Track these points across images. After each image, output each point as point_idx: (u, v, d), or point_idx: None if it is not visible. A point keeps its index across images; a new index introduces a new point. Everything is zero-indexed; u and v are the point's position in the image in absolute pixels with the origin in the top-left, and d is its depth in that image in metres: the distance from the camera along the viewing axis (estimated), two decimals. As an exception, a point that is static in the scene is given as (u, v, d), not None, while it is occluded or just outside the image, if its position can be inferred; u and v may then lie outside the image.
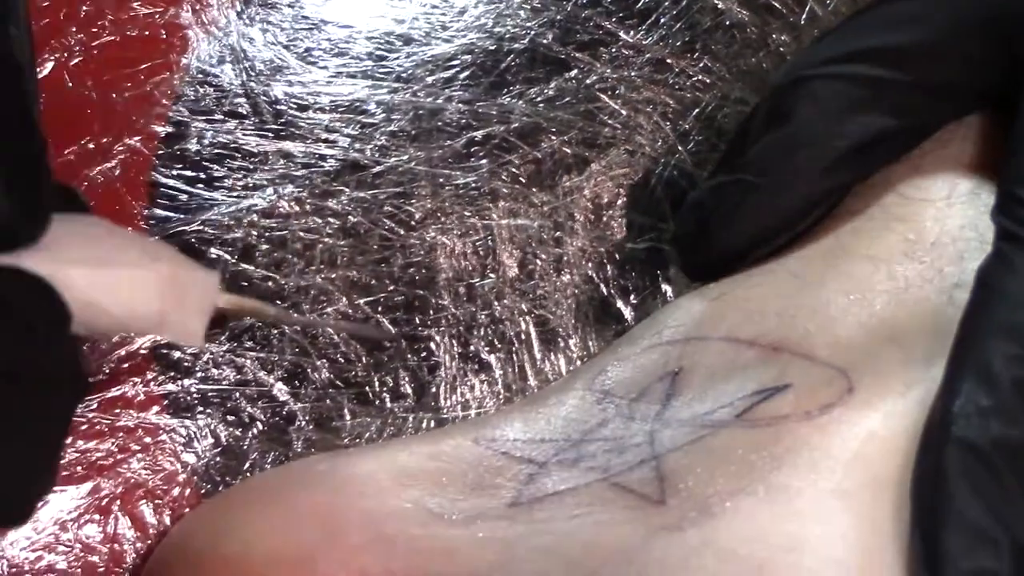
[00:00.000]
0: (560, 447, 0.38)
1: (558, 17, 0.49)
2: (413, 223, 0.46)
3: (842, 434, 0.36)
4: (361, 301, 0.45)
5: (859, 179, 0.41)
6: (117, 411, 0.43)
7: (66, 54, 0.47)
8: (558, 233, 0.46)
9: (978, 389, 0.34)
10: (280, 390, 0.43)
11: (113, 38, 0.48)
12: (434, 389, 0.44)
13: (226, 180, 0.46)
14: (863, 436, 0.36)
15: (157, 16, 0.48)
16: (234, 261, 0.45)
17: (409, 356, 0.44)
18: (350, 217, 0.46)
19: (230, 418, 0.43)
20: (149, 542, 0.41)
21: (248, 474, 0.42)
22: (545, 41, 0.49)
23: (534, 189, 0.47)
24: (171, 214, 0.45)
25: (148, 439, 0.42)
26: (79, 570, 0.41)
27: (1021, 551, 0.33)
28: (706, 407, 0.38)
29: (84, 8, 0.48)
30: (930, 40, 0.38)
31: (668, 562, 0.35)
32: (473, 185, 0.47)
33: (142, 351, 0.43)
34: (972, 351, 0.35)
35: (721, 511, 0.35)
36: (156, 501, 0.42)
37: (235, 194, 0.45)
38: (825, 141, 0.39)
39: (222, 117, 0.47)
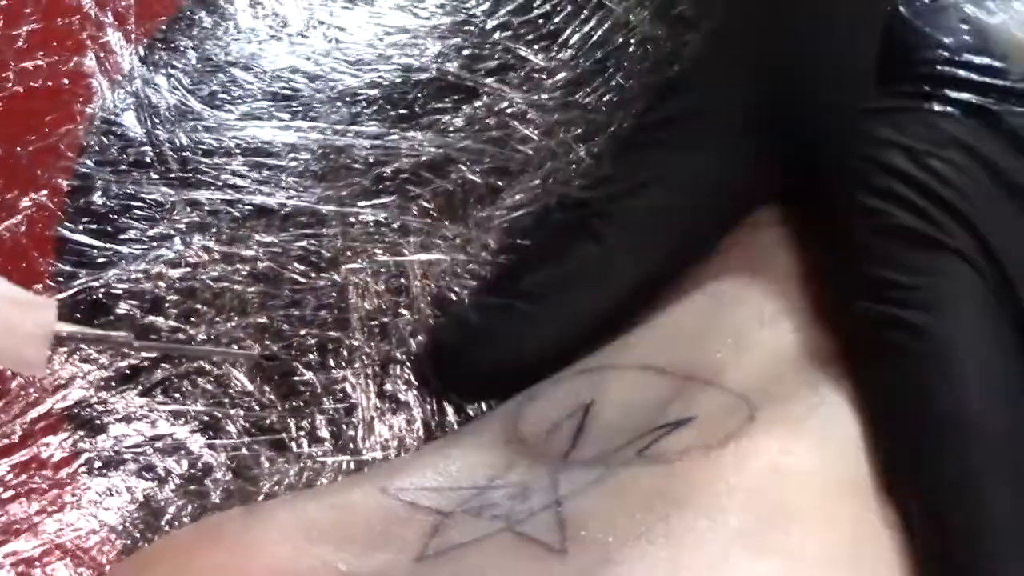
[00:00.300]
0: (465, 496, 0.38)
1: (465, 43, 0.49)
2: (323, 264, 0.46)
3: (742, 469, 0.35)
4: (275, 347, 0.44)
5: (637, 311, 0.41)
6: (31, 472, 0.42)
7: (-30, 109, 0.47)
8: (472, 265, 0.46)
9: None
10: (195, 442, 0.43)
11: (18, 89, 0.47)
12: (352, 431, 0.44)
13: (133, 232, 0.45)
14: (765, 470, 0.35)
15: (61, 65, 0.48)
16: (142, 315, 0.44)
17: (325, 399, 0.44)
18: (259, 262, 0.45)
19: (146, 473, 0.43)
20: (69, 603, 0.41)
21: (167, 528, 0.42)
22: (453, 69, 0.49)
23: (446, 222, 0.47)
24: (78, 270, 0.45)
25: (64, 499, 0.42)
26: (0, 635, 0.41)
27: None
28: (612, 444, 0.37)
29: (-12, 60, 0.47)
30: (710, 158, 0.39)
31: (569, 616, 0.34)
32: (383, 221, 0.46)
33: (54, 412, 0.43)
34: None
35: (621, 558, 0.34)
36: (75, 561, 0.42)
37: (142, 246, 0.45)
38: (605, 282, 0.39)
39: (127, 167, 0.46)
